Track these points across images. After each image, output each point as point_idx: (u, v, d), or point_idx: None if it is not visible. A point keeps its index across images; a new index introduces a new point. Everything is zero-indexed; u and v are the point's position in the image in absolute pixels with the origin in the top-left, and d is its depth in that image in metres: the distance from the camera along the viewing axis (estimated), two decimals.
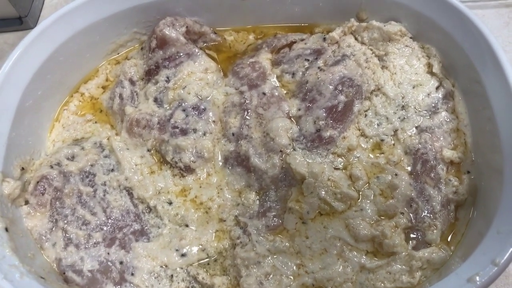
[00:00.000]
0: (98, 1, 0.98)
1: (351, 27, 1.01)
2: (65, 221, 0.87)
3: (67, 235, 0.87)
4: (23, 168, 0.90)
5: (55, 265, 0.85)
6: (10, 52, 1.18)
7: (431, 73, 0.95)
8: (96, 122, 1.01)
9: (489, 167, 0.84)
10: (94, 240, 0.87)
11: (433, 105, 0.92)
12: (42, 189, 0.88)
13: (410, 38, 0.98)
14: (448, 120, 0.91)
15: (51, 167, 0.91)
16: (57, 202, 0.89)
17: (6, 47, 1.23)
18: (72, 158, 0.93)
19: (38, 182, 0.88)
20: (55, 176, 0.89)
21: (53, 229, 0.87)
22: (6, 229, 0.80)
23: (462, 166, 0.89)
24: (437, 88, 0.93)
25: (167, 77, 0.99)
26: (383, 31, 0.97)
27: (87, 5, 0.97)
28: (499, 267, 0.68)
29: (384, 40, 0.98)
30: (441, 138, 0.90)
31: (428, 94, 0.93)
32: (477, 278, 0.68)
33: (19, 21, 1.23)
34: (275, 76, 1.00)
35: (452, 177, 0.87)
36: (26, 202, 0.88)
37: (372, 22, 0.99)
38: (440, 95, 0.93)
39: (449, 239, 0.84)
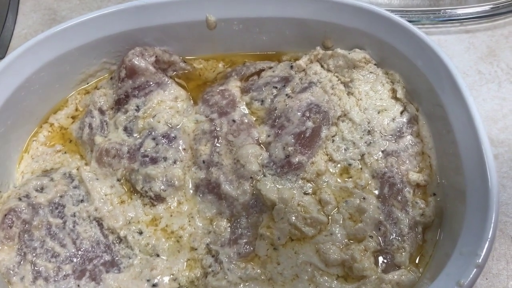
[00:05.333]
0: (67, 32, 0.98)
1: (317, 55, 1.04)
2: (34, 254, 0.86)
3: (36, 268, 0.85)
4: None
5: None
6: None
7: (396, 98, 0.98)
8: (65, 153, 1.00)
9: (454, 189, 0.87)
10: (64, 273, 0.85)
11: (398, 129, 0.94)
12: (10, 222, 0.87)
13: (374, 64, 1.01)
14: (413, 143, 0.93)
15: (20, 199, 0.89)
16: (25, 235, 0.87)
17: None
18: (41, 189, 0.92)
19: (5, 215, 0.87)
20: (23, 208, 0.88)
21: (22, 262, 0.85)
22: None
23: (428, 189, 0.91)
24: (401, 112, 0.96)
25: (137, 106, 1.00)
26: (348, 59, 1.00)
27: (56, 36, 0.97)
28: None
29: (349, 67, 1.00)
30: (407, 162, 0.92)
31: (393, 119, 0.95)
32: None
33: None
34: (244, 103, 1.01)
35: (418, 200, 0.89)
36: None
37: (337, 50, 1.01)
38: (404, 120, 0.95)
39: (417, 261, 0.86)
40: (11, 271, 0.85)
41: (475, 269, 0.70)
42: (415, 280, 0.82)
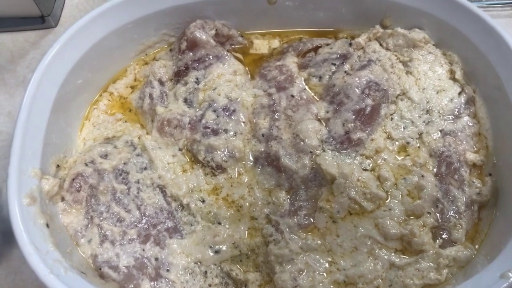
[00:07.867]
0: (129, 3, 1.00)
1: (376, 33, 1.05)
2: (100, 218, 0.89)
3: (102, 231, 0.88)
4: (58, 166, 0.91)
5: (91, 261, 0.86)
6: (35, 50, 1.23)
7: (454, 79, 0.99)
8: (126, 121, 1.03)
9: (510, 170, 0.88)
10: (129, 237, 0.88)
11: (456, 110, 0.96)
12: (77, 186, 0.90)
13: (433, 45, 1.02)
14: (470, 124, 0.95)
15: (86, 164, 0.92)
16: (92, 199, 0.90)
17: (27, 46, 1.24)
18: (105, 156, 0.94)
19: (73, 179, 0.90)
20: (90, 173, 0.91)
21: (89, 225, 0.88)
22: (47, 225, 0.81)
23: (484, 169, 0.93)
24: (459, 93, 0.98)
25: (197, 78, 1.02)
26: (408, 38, 1.01)
27: (118, 7, 0.99)
28: None
29: (409, 46, 1.02)
30: (464, 142, 0.94)
31: (451, 99, 0.96)
32: (510, 274, 0.71)
33: (41, 20, 1.24)
34: (302, 79, 1.03)
35: (475, 179, 0.91)
36: (62, 199, 0.89)
37: (397, 29, 1.02)
38: (462, 100, 0.97)
39: (473, 238, 0.88)
40: (79, 233, 0.88)
41: None
42: (471, 256, 0.85)
